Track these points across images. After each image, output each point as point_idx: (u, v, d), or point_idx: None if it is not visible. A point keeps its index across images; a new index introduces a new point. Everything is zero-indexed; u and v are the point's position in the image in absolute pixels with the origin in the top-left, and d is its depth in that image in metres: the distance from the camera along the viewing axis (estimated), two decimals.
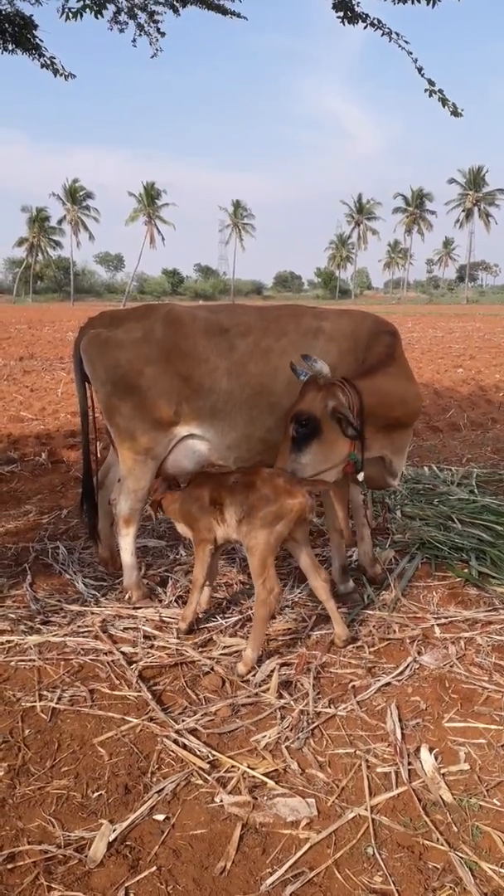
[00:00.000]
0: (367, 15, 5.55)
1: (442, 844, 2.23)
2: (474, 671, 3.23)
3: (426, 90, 5.60)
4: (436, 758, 2.64)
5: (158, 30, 6.51)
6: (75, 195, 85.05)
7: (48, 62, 6.21)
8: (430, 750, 2.68)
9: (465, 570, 4.25)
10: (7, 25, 5.93)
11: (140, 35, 6.50)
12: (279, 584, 3.16)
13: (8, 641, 3.45)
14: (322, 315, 3.81)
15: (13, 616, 3.71)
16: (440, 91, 5.64)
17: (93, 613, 3.76)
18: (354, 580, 4.07)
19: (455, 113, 5.72)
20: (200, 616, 3.73)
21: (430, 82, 5.62)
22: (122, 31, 6.34)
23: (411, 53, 5.58)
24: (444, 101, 5.65)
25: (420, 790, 2.49)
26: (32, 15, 6.12)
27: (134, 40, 6.56)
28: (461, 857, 2.18)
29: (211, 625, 3.68)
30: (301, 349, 3.49)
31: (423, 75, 5.62)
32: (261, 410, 3.63)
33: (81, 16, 4.58)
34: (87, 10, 4.53)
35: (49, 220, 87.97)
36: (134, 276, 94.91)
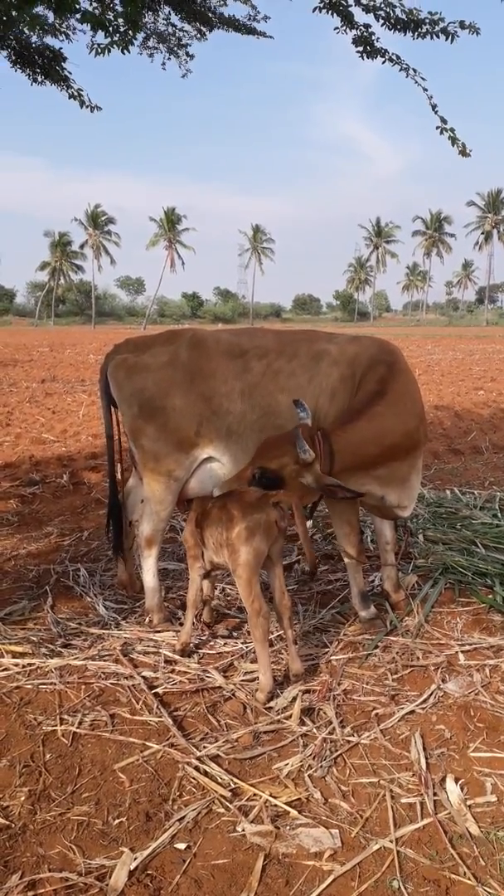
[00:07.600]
0: (385, 50, 5.62)
1: (469, 878, 2.18)
2: (500, 699, 3.17)
3: (438, 127, 5.61)
4: (462, 788, 2.59)
5: (187, 53, 6.72)
6: (97, 220, 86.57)
7: (76, 93, 6.38)
8: (456, 780, 2.62)
9: (490, 596, 4.19)
10: (38, 58, 6.14)
11: (169, 59, 6.70)
12: (266, 603, 3.17)
13: (29, 664, 3.46)
14: (333, 340, 3.86)
15: (34, 639, 3.72)
16: (451, 129, 5.65)
17: (113, 637, 3.76)
18: (377, 605, 4.03)
19: (463, 153, 5.74)
20: (205, 635, 3.71)
21: (443, 120, 5.64)
22: (151, 55, 6.53)
23: (427, 90, 5.63)
24: (454, 141, 5.65)
25: (446, 822, 2.43)
26: (62, 48, 6.33)
27: (164, 64, 6.76)
28: (489, 892, 2.12)
29: (232, 650, 3.66)
30: (307, 371, 3.55)
31: (436, 112, 5.64)
32: (268, 433, 3.65)
33: (109, 51, 4.74)
34: (115, 46, 4.68)
35: (71, 244, 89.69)
36: (154, 300, 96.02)
